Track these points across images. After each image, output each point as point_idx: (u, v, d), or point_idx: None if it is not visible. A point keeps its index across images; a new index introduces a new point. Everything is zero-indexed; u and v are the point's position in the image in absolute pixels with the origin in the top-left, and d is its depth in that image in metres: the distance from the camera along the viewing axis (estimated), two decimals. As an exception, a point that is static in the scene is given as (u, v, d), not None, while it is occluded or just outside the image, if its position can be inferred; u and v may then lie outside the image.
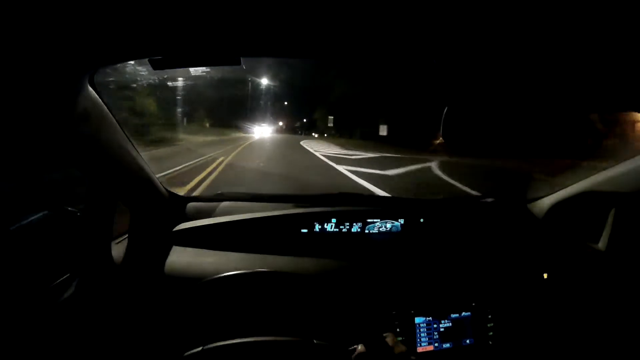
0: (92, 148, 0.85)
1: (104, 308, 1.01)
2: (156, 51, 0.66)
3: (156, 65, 0.69)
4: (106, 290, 1.03)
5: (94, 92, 0.78)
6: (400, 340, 1.08)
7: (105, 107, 0.83)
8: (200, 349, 0.76)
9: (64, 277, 1.01)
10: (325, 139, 28.67)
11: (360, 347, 0.81)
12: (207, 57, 0.67)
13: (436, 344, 1.12)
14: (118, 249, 1.14)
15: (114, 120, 0.87)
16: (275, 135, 33.67)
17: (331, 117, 34.74)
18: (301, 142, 22.10)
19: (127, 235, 1.22)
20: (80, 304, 0.97)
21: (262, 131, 33.51)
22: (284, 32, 0.57)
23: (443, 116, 0.75)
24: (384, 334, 0.87)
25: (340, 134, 33.29)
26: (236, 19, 0.55)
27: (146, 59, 0.69)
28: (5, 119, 0.67)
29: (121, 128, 0.91)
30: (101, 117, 0.82)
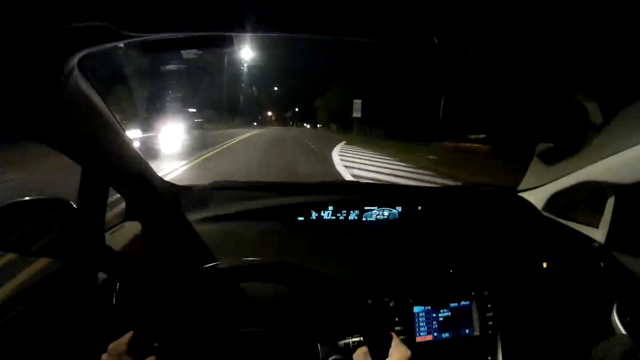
0: (82, 134, 0.83)
1: (97, 298, 1.00)
2: (147, 32, 0.64)
3: (147, 48, 0.67)
4: (99, 280, 1.02)
5: (83, 77, 0.76)
6: (399, 330, 1.08)
7: (96, 93, 0.81)
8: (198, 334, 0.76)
9: (58, 267, 1.00)
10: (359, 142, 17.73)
11: (362, 348, 0.81)
12: (200, 37, 0.65)
13: (435, 334, 1.11)
14: (113, 239, 1.13)
15: (105, 106, 0.85)
16: (257, 141, 20.07)
17: (358, 102, 21.45)
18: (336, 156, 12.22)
19: (121, 225, 1.21)
20: (73, 293, 0.96)
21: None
22: (278, 6, 0.55)
23: (443, 99, 0.74)
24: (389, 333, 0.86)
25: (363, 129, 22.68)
26: None
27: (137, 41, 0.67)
28: None
29: (112, 114, 0.89)
30: (91, 103, 0.80)
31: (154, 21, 0.59)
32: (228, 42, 0.65)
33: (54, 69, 0.66)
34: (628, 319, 1.21)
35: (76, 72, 0.72)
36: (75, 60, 0.69)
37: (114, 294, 1.00)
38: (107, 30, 0.63)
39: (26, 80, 0.63)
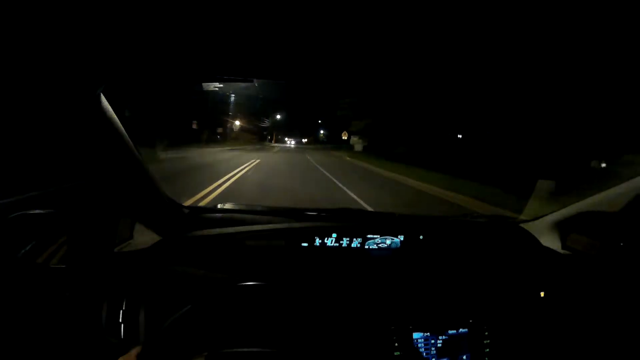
0: (100, 156, 0.87)
1: (105, 311, 1.02)
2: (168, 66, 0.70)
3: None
4: (107, 295, 1.04)
5: (105, 103, 0.81)
6: (398, 355, 1.09)
7: (116, 118, 0.86)
8: (205, 354, 0.78)
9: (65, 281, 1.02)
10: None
11: None
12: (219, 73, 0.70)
13: (433, 359, 1.13)
14: (120, 255, 1.15)
15: (123, 131, 0.90)
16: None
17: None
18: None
19: (129, 242, 1.24)
20: (81, 308, 0.98)
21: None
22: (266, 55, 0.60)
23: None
24: None
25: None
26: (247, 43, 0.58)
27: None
28: (17, 128, 0.70)
29: (129, 139, 0.94)
30: (111, 127, 0.85)
31: (173, 57, 0.65)
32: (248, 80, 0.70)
33: (79, 97, 0.71)
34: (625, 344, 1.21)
35: (100, 99, 0.77)
36: (99, 88, 0.74)
37: (121, 310, 1.02)
38: (131, 63, 0.68)
39: (51, 106, 0.68)
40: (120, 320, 1.03)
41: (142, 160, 1.03)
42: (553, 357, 1.20)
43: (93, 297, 1.02)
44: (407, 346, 1.11)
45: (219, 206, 1.47)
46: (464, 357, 1.14)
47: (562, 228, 1.45)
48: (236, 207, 1.47)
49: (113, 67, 0.70)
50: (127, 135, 0.92)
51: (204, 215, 1.40)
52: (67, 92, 0.68)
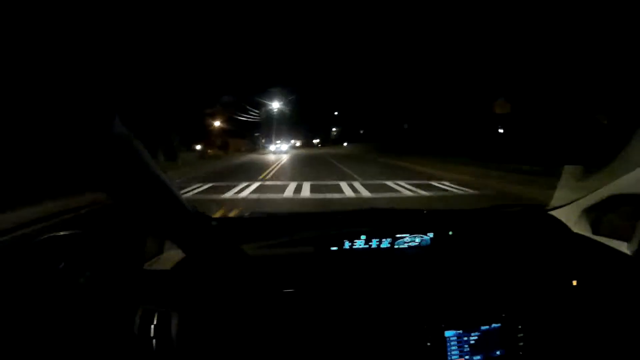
0: (121, 175, 0.89)
1: (136, 327, 1.05)
2: None
3: None
4: (138, 310, 1.06)
5: (121, 127, 0.82)
6: (432, 355, 1.07)
7: (135, 138, 0.88)
8: None
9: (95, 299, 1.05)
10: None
11: None
12: None
13: (467, 357, 1.10)
14: (149, 273, 1.18)
15: (145, 149, 0.92)
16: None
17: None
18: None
19: (158, 258, 1.27)
20: (112, 324, 1.00)
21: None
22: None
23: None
24: None
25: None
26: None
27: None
28: (40, 144, 0.72)
29: (150, 156, 0.96)
30: (131, 147, 0.87)
31: None
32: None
33: (98, 115, 0.73)
34: None
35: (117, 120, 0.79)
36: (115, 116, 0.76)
37: (153, 325, 1.04)
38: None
39: (70, 124, 0.70)
40: (152, 335, 1.05)
41: (164, 177, 1.06)
42: (587, 347, 1.16)
43: (123, 313, 1.05)
44: (439, 345, 1.09)
45: (246, 215, 1.50)
46: (498, 352, 1.12)
47: (593, 213, 1.40)
48: (264, 214, 1.49)
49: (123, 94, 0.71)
50: (148, 153, 0.94)
51: (234, 224, 1.43)
52: (81, 121, 0.70)
